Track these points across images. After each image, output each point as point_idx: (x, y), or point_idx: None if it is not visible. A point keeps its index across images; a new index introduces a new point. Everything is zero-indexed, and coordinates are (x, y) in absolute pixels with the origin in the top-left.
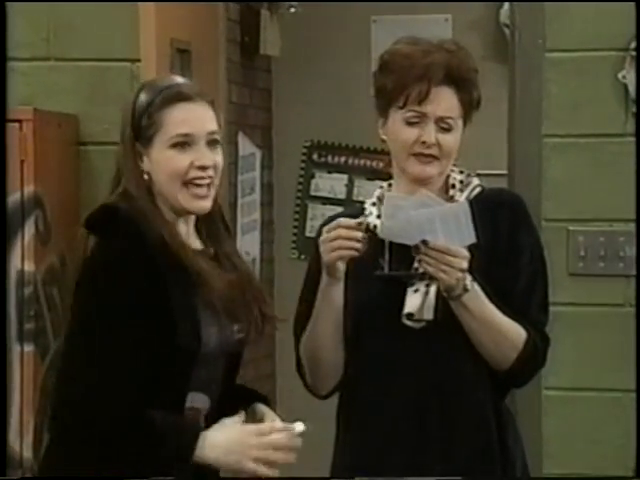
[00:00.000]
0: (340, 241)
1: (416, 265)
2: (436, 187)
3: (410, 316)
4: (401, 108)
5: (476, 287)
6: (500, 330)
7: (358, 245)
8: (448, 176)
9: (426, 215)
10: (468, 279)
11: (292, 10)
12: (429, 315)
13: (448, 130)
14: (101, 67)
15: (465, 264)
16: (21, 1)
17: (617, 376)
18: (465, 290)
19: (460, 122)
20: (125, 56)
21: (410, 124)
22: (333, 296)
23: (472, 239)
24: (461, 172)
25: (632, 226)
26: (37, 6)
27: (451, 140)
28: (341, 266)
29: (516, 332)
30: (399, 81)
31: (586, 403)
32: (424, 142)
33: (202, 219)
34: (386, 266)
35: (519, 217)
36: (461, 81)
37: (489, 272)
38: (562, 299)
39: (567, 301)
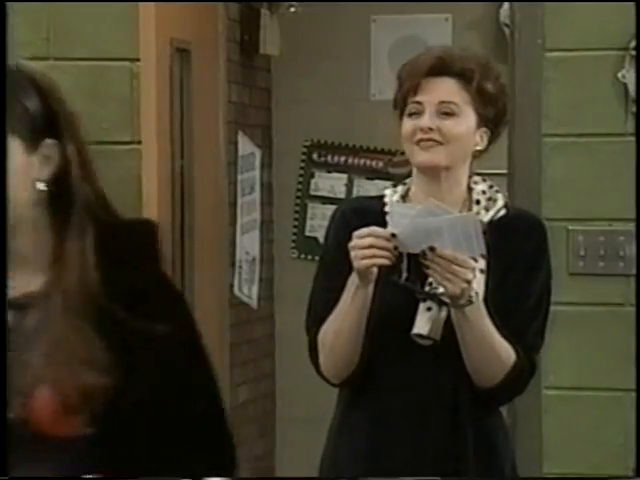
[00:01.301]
0: (374, 250)
1: (430, 280)
2: (458, 196)
3: (419, 336)
4: (404, 107)
5: (480, 300)
6: (493, 348)
7: (390, 255)
8: (472, 190)
9: (434, 223)
10: (473, 291)
11: (292, 10)
12: (437, 335)
13: (450, 115)
14: (101, 66)
15: (470, 275)
16: (21, 1)
17: (617, 376)
18: (469, 302)
19: (467, 110)
20: (125, 55)
21: (410, 116)
22: (362, 298)
23: (482, 250)
24: (484, 180)
25: (632, 226)
26: (37, 5)
27: (452, 125)
28: (374, 270)
29: (507, 354)
30: (400, 85)
31: (586, 402)
32: (422, 129)
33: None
34: (404, 274)
35: (540, 246)
36: (457, 70)
37: (503, 292)
38: (562, 299)
39: (567, 301)
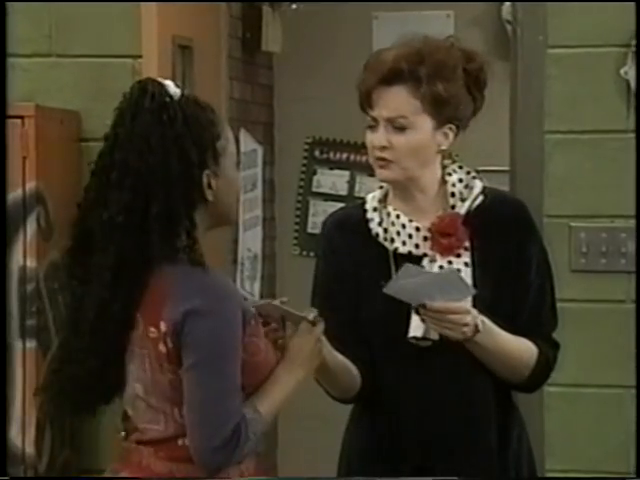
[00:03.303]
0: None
1: None
2: (431, 193)
3: (416, 338)
4: (366, 113)
5: (487, 323)
6: (513, 356)
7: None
8: (446, 182)
9: (417, 283)
10: (479, 319)
11: (294, 7)
12: (435, 335)
13: (401, 130)
14: (103, 63)
15: (467, 318)
16: (22, 0)
17: (619, 372)
18: (477, 331)
19: (420, 118)
20: (127, 52)
21: (370, 128)
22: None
23: (471, 292)
24: (460, 167)
25: (634, 222)
26: (39, 2)
27: (404, 140)
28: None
29: (528, 353)
30: (359, 86)
31: (588, 399)
32: (376, 146)
33: None
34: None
35: (526, 227)
36: (407, 77)
37: (500, 288)
38: (564, 296)
39: (569, 297)
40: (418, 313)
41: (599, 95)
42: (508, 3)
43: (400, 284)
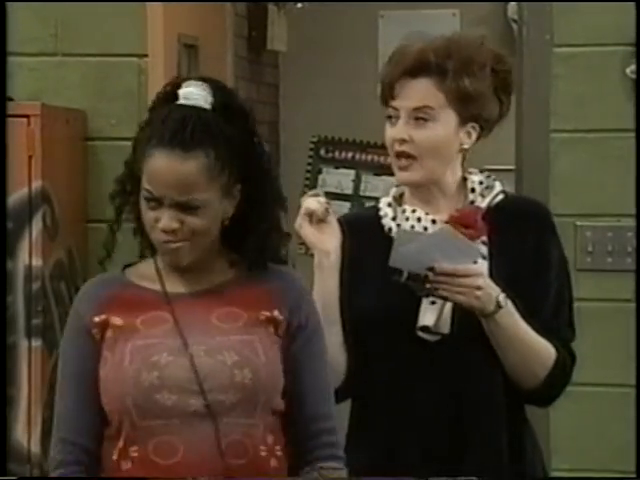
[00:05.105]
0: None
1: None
2: (450, 192)
3: (425, 329)
4: (386, 105)
5: (509, 304)
6: (531, 349)
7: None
8: (466, 179)
9: (417, 247)
10: (501, 295)
11: (299, 5)
12: (445, 329)
13: (425, 121)
14: (109, 62)
15: (479, 280)
16: (23, 0)
17: (625, 371)
18: (499, 307)
19: (445, 112)
20: (133, 51)
21: (390, 122)
22: (324, 278)
23: (477, 253)
24: (481, 171)
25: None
26: (45, 2)
27: (426, 134)
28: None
29: (547, 351)
30: (383, 78)
31: (594, 398)
32: (396, 139)
33: None
34: (404, 272)
35: (547, 229)
36: (434, 69)
37: (518, 287)
38: None
39: (575, 297)
40: (428, 280)
41: (605, 94)
42: (514, 2)
43: (400, 252)
